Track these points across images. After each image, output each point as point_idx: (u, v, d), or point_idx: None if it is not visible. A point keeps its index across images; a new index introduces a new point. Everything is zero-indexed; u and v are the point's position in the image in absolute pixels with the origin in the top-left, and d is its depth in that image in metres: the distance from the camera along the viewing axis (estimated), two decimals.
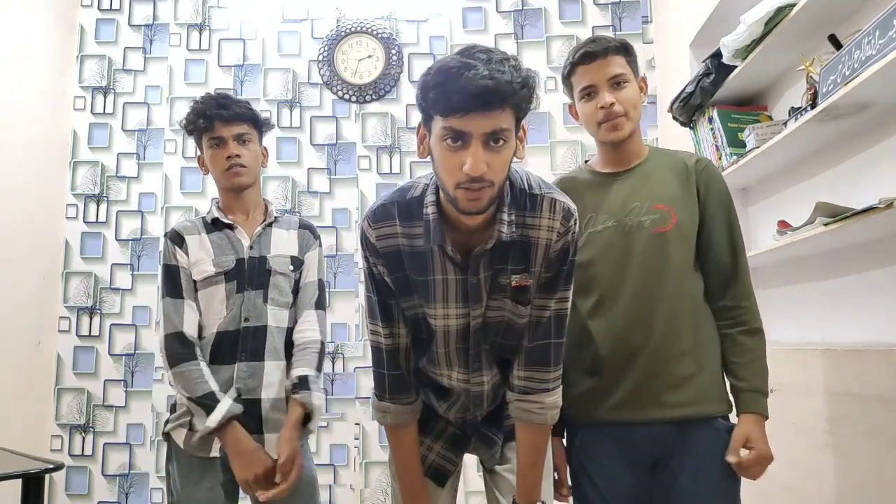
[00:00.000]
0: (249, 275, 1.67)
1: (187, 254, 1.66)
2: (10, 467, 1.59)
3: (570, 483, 1.47)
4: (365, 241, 1.25)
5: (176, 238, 1.68)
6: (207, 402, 1.53)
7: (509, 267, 1.22)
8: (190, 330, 1.60)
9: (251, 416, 1.60)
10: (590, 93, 1.45)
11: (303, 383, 1.61)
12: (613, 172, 1.50)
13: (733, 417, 1.41)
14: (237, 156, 1.68)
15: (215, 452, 1.59)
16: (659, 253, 1.40)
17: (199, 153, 1.78)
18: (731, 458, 1.34)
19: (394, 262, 1.24)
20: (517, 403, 1.29)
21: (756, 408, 1.36)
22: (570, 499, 1.49)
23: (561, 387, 1.31)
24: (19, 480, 1.53)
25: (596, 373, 1.41)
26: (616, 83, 1.43)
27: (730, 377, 1.42)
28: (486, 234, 1.19)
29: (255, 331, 1.64)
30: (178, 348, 1.58)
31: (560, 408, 1.31)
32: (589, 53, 1.43)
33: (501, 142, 1.08)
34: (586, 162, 1.59)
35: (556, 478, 1.47)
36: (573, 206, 1.23)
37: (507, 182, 1.17)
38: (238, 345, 1.63)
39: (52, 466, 1.57)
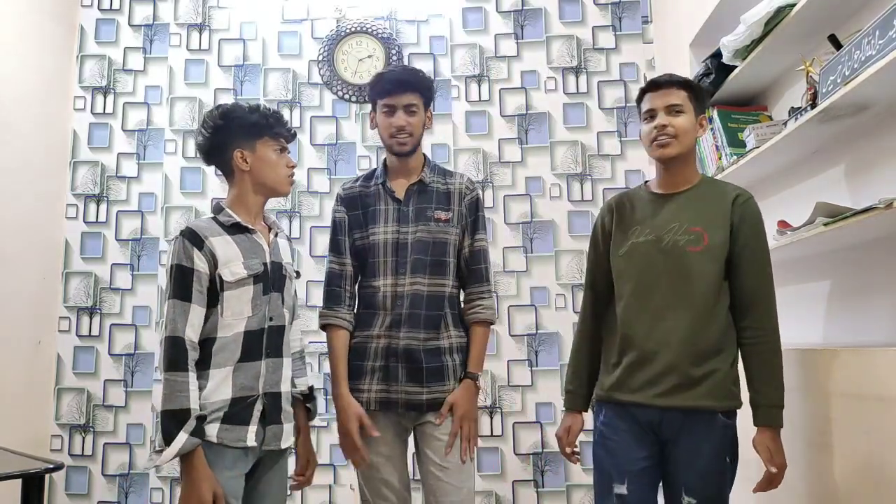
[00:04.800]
0: (273, 278, 1.73)
1: (211, 256, 1.65)
2: (10, 467, 1.60)
3: (577, 450, 1.82)
4: (337, 198, 1.97)
5: (195, 239, 1.65)
6: (175, 421, 1.53)
7: (433, 206, 1.87)
8: (192, 336, 1.61)
9: (275, 408, 1.69)
10: (651, 116, 1.69)
11: (312, 393, 1.86)
12: (664, 194, 1.72)
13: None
14: (293, 166, 1.80)
15: (252, 442, 1.62)
16: (687, 267, 1.62)
17: (239, 149, 1.73)
18: (758, 488, 1.58)
19: (351, 203, 1.92)
20: (470, 309, 1.90)
21: (774, 422, 1.56)
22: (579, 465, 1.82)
23: (493, 296, 1.94)
24: (19, 480, 1.53)
25: (621, 363, 1.68)
26: (673, 111, 1.66)
27: (750, 390, 1.60)
28: (412, 180, 1.91)
29: (277, 330, 1.72)
30: (175, 353, 1.58)
31: (494, 309, 1.93)
32: (656, 82, 1.71)
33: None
34: (646, 182, 1.81)
35: (570, 451, 1.80)
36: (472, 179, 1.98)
37: (425, 157, 1.96)
38: (263, 342, 1.69)
39: (52, 466, 1.58)
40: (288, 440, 1.73)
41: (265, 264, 1.72)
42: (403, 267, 1.81)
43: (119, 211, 3.22)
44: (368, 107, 3.37)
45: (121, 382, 3.10)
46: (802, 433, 1.70)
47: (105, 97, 3.30)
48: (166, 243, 3.19)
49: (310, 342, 3.05)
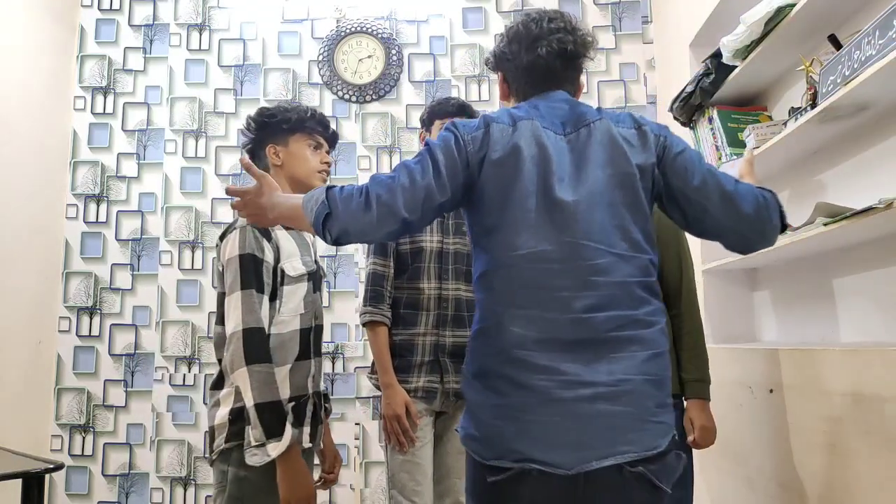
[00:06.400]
0: (318, 277, 1.78)
1: (277, 248, 1.65)
2: (10, 467, 1.60)
3: None
4: None
5: (264, 230, 1.64)
6: (275, 413, 1.52)
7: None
8: (266, 330, 1.59)
9: (320, 407, 1.72)
10: None
11: (327, 392, 1.88)
12: None
13: None
14: (327, 162, 1.85)
15: (307, 443, 1.63)
16: None
17: (272, 144, 1.76)
18: (689, 439, 1.78)
19: None
20: None
21: (700, 394, 1.79)
22: None
23: None
24: (19, 480, 1.53)
25: None
26: None
27: (680, 370, 1.81)
28: None
29: (320, 329, 1.76)
30: (258, 345, 1.55)
31: None
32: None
33: None
34: None
35: None
36: None
37: None
38: (311, 341, 1.71)
39: (52, 466, 1.57)
40: (321, 439, 1.78)
41: (316, 262, 1.77)
42: (447, 273, 2.06)
43: (119, 211, 3.22)
44: (368, 107, 3.43)
45: (121, 382, 3.10)
46: (801, 433, 1.70)
47: (105, 97, 3.30)
48: (167, 243, 3.19)
49: None
